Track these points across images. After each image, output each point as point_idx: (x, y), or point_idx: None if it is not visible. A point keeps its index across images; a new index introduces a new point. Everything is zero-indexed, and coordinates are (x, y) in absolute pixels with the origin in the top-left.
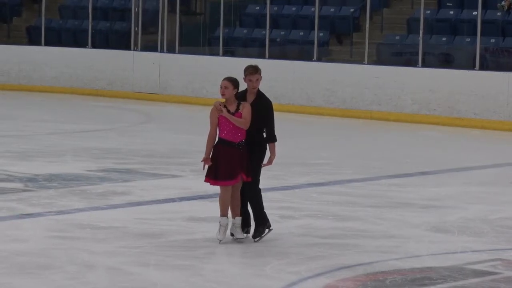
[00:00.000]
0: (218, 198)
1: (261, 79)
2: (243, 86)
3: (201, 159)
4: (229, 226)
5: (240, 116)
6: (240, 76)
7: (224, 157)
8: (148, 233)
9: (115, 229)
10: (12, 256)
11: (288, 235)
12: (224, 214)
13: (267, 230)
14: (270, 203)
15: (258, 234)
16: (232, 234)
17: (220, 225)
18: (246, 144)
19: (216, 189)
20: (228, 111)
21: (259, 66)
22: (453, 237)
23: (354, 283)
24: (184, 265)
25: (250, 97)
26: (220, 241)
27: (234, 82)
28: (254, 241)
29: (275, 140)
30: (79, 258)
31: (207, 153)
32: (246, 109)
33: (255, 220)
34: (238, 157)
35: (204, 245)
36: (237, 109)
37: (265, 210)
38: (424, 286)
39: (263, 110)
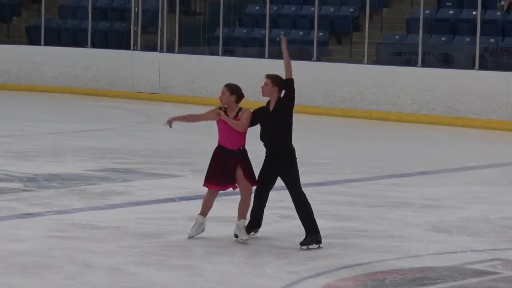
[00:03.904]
0: (218, 198)
1: (272, 86)
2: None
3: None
4: (205, 226)
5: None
6: (241, 75)
7: (219, 163)
8: (148, 233)
9: (115, 229)
10: (12, 256)
11: (288, 235)
12: (202, 212)
13: (315, 245)
14: (270, 203)
15: (306, 243)
16: (236, 235)
17: (196, 221)
18: (244, 151)
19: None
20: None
21: (259, 66)
22: (453, 237)
23: (354, 283)
24: (184, 265)
25: (271, 106)
26: (190, 237)
27: (231, 88)
28: (301, 248)
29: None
30: (79, 258)
31: (179, 117)
32: (245, 114)
33: (305, 229)
34: (233, 166)
35: (204, 245)
36: (236, 115)
37: (270, 211)
38: (424, 286)
39: (280, 112)
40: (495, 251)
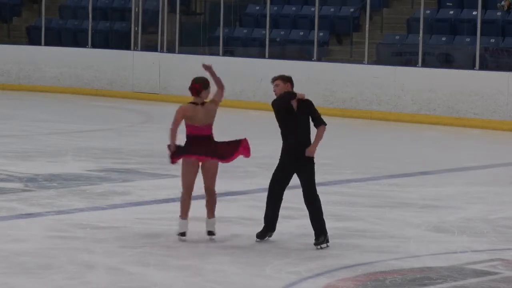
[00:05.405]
0: (219, 198)
1: (284, 83)
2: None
3: None
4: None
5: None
6: (241, 76)
7: None
8: (148, 233)
9: (115, 229)
10: (12, 256)
11: (288, 235)
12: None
13: (325, 244)
14: None
15: (320, 242)
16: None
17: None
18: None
19: (216, 189)
20: None
21: (259, 66)
22: (453, 237)
23: (354, 283)
24: (184, 265)
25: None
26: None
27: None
28: (317, 248)
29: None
30: (79, 258)
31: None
32: None
33: (316, 229)
34: None
35: (204, 245)
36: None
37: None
38: (424, 286)
39: (304, 112)
40: (495, 251)
